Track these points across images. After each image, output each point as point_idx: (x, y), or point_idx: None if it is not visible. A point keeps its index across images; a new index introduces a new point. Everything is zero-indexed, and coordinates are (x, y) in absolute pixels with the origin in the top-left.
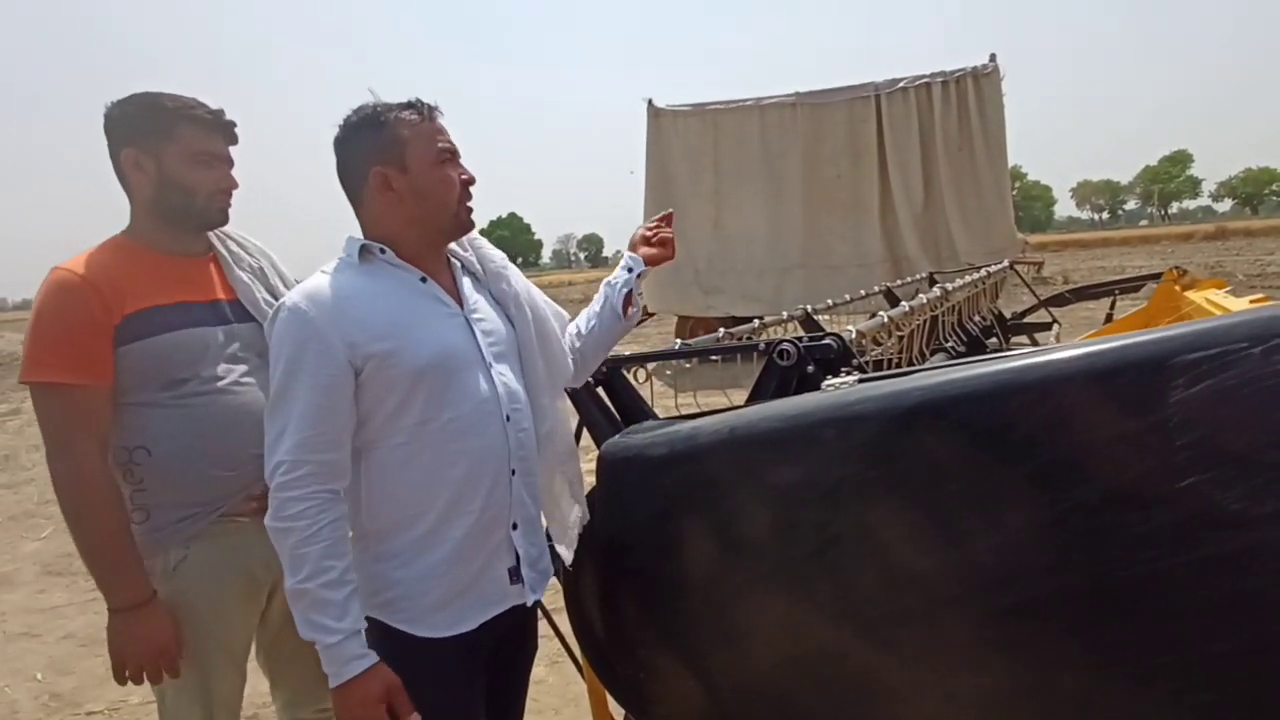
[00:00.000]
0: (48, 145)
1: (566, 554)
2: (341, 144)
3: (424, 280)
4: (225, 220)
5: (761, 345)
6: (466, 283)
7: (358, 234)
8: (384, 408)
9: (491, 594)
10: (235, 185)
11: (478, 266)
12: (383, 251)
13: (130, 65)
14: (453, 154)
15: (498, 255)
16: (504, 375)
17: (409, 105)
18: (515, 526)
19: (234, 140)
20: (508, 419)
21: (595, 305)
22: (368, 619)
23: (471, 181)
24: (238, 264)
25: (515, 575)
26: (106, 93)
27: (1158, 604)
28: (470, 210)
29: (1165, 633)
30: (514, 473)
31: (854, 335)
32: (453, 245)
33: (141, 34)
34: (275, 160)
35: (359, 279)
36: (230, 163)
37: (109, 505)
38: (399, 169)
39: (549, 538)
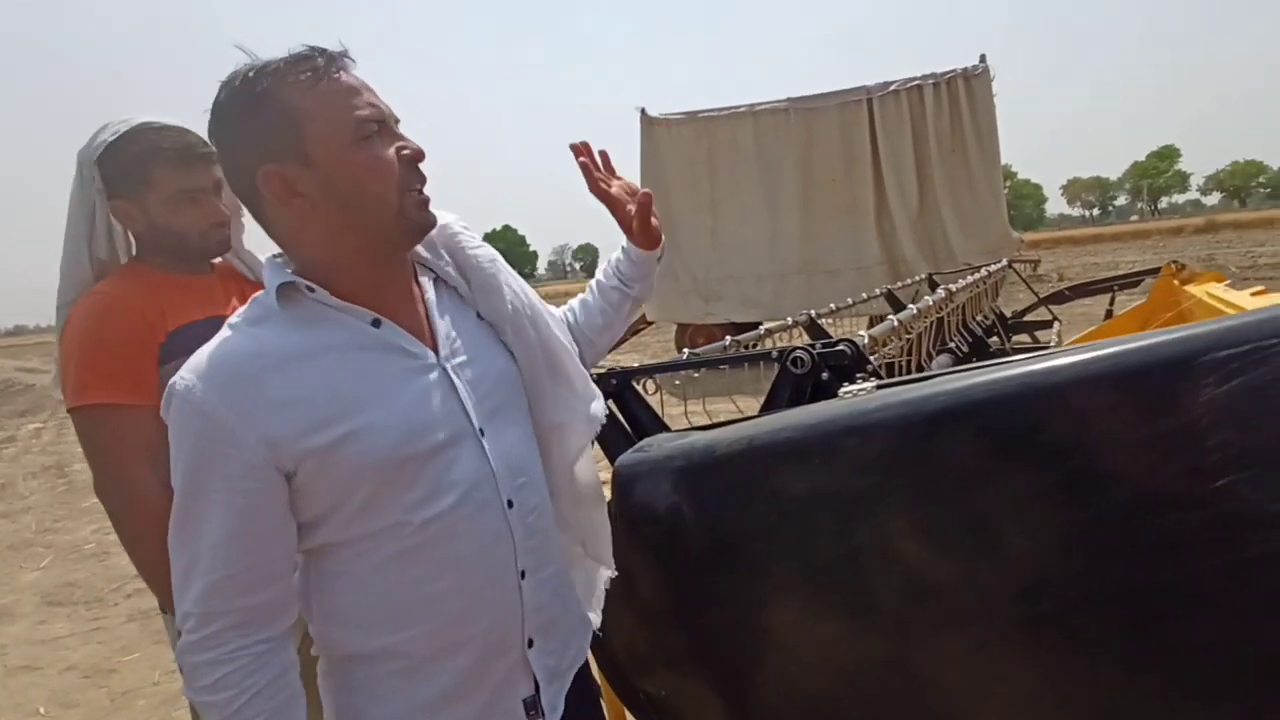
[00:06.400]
0: (29, 169)
1: (594, 618)
2: (214, 137)
3: (377, 324)
4: (227, 248)
5: (774, 353)
6: (441, 306)
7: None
8: (337, 514)
9: None
10: (225, 216)
11: (458, 278)
12: (311, 290)
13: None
14: (381, 121)
15: (485, 254)
16: (502, 441)
17: (298, 59)
18: (531, 643)
19: (214, 164)
20: (510, 504)
21: (597, 286)
22: None
23: (418, 157)
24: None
25: (533, 706)
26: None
27: (1194, 607)
28: (425, 201)
29: (1202, 636)
30: (523, 574)
31: (866, 340)
32: (422, 252)
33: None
34: None
35: (279, 336)
36: (216, 189)
37: (167, 524)
38: (299, 162)
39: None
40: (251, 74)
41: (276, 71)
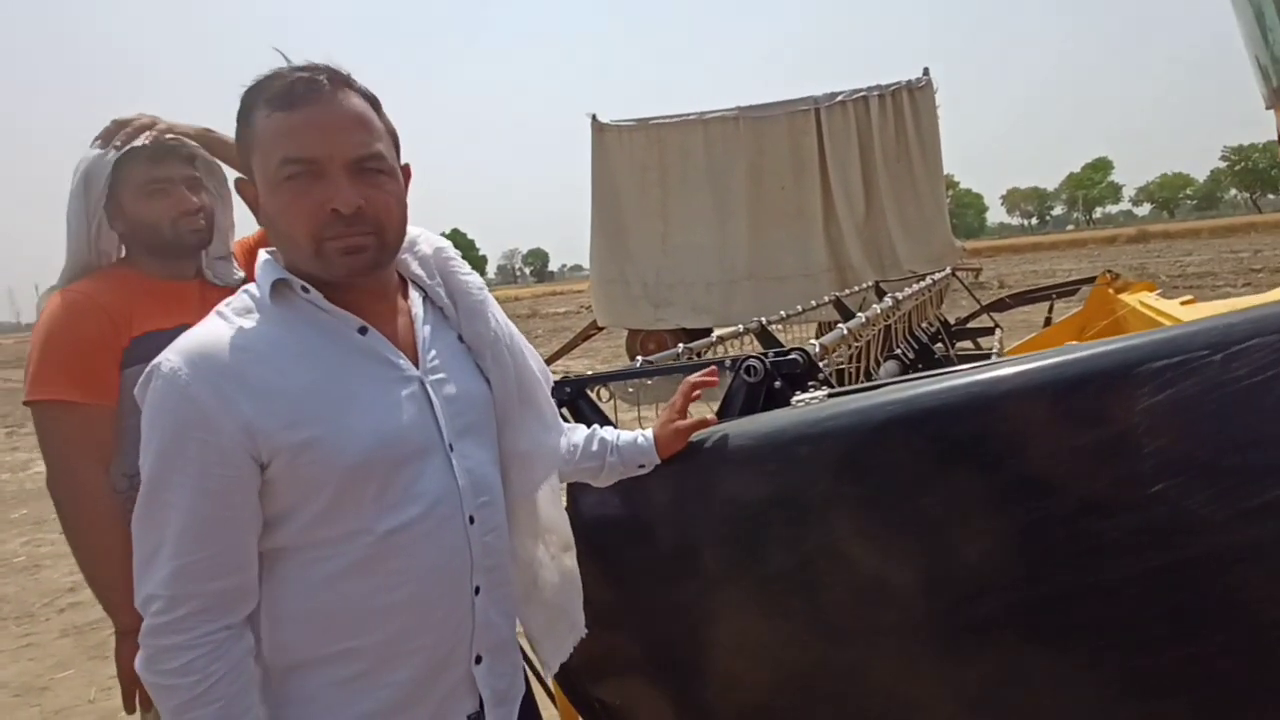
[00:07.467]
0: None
1: (552, 665)
2: None
3: (364, 331)
4: (204, 241)
5: (727, 362)
6: (426, 322)
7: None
8: (300, 514)
9: None
10: (196, 205)
11: (445, 299)
12: (306, 290)
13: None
14: (313, 163)
15: (475, 284)
16: (469, 459)
17: (278, 81)
18: (479, 660)
19: (187, 160)
20: (471, 521)
21: (589, 444)
22: None
23: (343, 210)
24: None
25: None
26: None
27: (1131, 608)
28: (350, 247)
29: (1139, 635)
30: (478, 590)
31: (817, 349)
32: (416, 269)
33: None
34: None
35: (267, 330)
36: (189, 183)
37: (113, 526)
38: (253, 180)
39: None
40: (251, 85)
41: (260, 88)
